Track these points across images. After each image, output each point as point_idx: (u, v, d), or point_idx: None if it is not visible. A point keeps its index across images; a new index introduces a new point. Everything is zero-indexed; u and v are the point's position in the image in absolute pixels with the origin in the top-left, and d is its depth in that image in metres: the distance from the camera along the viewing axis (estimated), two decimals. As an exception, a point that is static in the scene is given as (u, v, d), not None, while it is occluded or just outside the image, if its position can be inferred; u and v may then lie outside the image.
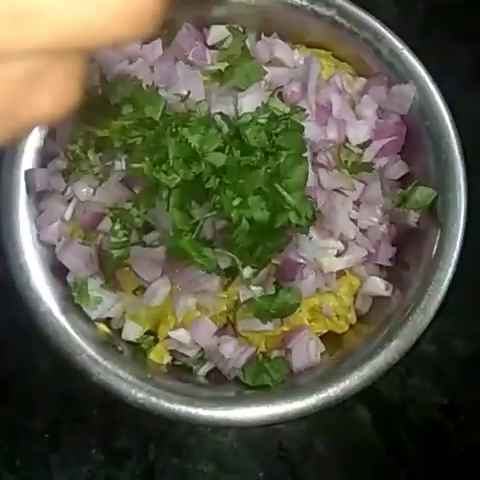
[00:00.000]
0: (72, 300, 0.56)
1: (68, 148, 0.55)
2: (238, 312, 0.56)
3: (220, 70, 0.57)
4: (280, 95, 0.58)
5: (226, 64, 0.57)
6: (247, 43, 0.60)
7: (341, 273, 0.58)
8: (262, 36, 0.62)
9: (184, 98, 0.53)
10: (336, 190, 0.57)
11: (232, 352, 0.55)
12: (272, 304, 0.52)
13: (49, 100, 0.21)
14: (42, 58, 0.20)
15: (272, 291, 0.54)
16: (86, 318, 0.57)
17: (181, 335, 0.56)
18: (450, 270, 0.55)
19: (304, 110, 0.53)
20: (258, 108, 0.50)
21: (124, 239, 0.53)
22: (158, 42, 0.60)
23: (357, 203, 0.58)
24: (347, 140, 0.58)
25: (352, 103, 0.61)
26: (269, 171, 0.46)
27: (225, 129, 0.49)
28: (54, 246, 0.57)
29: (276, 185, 0.46)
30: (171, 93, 0.55)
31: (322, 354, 0.58)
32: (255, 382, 0.55)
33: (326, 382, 0.54)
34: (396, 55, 0.60)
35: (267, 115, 0.49)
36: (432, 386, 0.68)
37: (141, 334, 0.58)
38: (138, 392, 0.53)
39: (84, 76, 0.22)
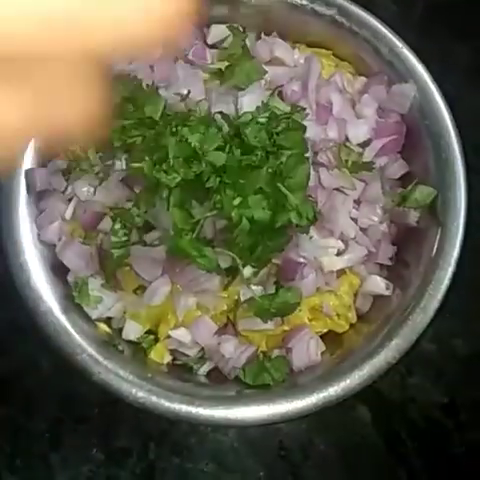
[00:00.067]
0: (72, 299, 0.56)
1: (68, 147, 0.55)
2: (238, 311, 0.56)
3: (220, 69, 0.57)
4: (280, 94, 0.58)
5: (226, 63, 0.57)
6: (247, 42, 0.59)
7: (341, 272, 0.58)
8: (262, 35, 0.62)
9: (184, 97, 0.53)
10: (336, 189, 0.57)
11: (232, 351, 0.55)
12: (272, 303, 0.52)
13: (71, 110, 0.21)
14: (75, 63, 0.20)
15: (272, 290, 0.54)
16: (86, 317, 0.57)
17: (181, 334, 0.56)
18: (450, 269, 0.56)
19: (304, 109, 0.53)
20: (258, 107, 0.50)
21: (124, 238, 0.53)
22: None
23: (357, 202, 0.58)
24: (347, 139, 0.58)
25: (352, 102, 0.61)
26: (270, 170, 0.46)
27: (225, 128, 0.49)
28: (54, 245, 0.57)
29: (278, 185, 0.46)
30: (171, 92, 0.55)
31: (322, 353, 0.58)
32: (255, 381, 0.55)
33: (326, 381, 0.54)
34: (396, 54, 0.60)
35: (267, 114, 0.49)
36: (432, 385, 0.68)
37: (141, 333, 0.58)
38: (138, 391, 0.53)
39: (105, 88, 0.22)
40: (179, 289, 0.55)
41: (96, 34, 0.19)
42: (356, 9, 0.60)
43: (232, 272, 0.53)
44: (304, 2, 0.60)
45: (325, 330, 0.59)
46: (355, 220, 0.58)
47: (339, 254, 0.57)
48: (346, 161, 0.57)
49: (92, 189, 0.56)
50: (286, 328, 0.57)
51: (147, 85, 0.53)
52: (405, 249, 0.60)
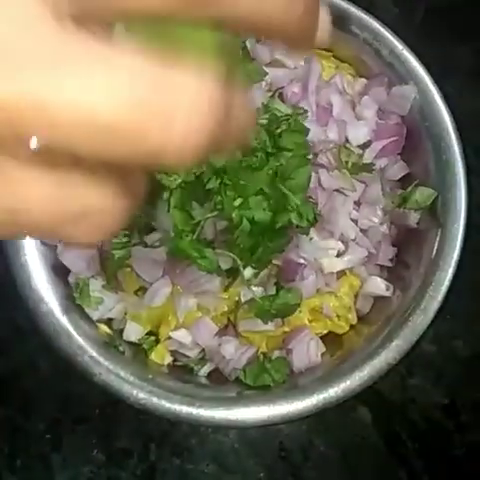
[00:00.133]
0: (73, 300, 0.56)
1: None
2: (239, 312, 0.56)
3: (221, 71, 0.57)
4: (280, 96, 0.58)
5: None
6: (247, 44, 0.60)
7: (342, 273, 0.58)
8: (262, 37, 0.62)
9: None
10: (337, 190, 0.57)
11: (233, 352, 0.55)
12: (273, 304, 0.52)
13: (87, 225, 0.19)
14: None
15: (273, 291, 0.54)
16: (87, 319, 0.57)
17: (182, 336, 0.56)
18: (450, 270, 0.56)
19: (306, 111, 0.53)
20: (259, 109, 0.50)
21: (125, 240, 0.53)
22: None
23: (357, 203, 0.58)
24: (347, 141, 0.58)
25: (352, 104, 0.61)
26: (270, 172, 0.46)
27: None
28: (56, 246, 0.57)
29: (280, 186, 0.46)
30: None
31: (323, 354, 0.58)
32: (256, 382, 0.56)
33: (327, 382, 0.54)
34: (396, 56, 0.60)
35: (268, 116, 0.49)
36: (433, 386, 0.68)
37: (142, 335, 0.58)
38: (139, 392, 0.53)
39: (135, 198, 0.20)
40: (180, 290, 0.55)
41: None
42: (357, 11, 0.61)
43: (233, 273, 0.53)
44: (305, 4, 0.60)
45: (325, 331, 0.59)
46: (355, 221, 0.58)
47: (339, 255, 0.57)
48: (346, 162, 0.57)
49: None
50: (286, 329, 0.57)
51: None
52: (405, 250, 0.60)
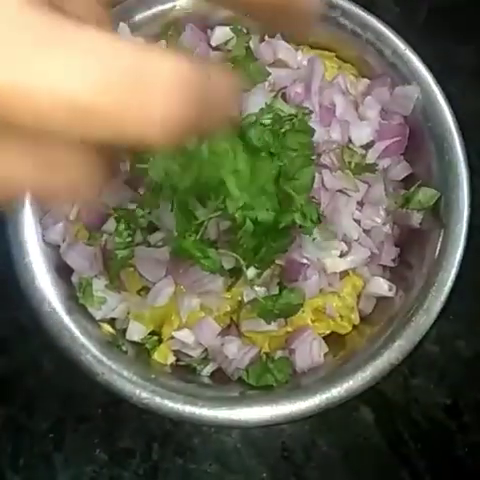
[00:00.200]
0: (77, 300, 0.56)
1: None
2: (242, 312, 0.56)
3: (224, 71, 0.57)
4: (283, 96, 0.58)
5: (230, 65, 0.57)
6: (251, 44, 0.60)
7: (344, 274, 0.58)
8: (266, 37, 0.62)
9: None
10: (339, 191, 0.57)
11: (236, 352, 0.55)
12: (276, 304, 0.52)
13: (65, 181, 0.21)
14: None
15: (276, 291, 0.54)
16: (90, 318, 0.57)
17: (185, 335, 0.56)
18: (453, 271, 0.56)
19: (311, 112, 0.53)
20: (262, 109, 0.50)
21: (128, 239, 0.53)
22: (162, 43, 0.60)
23: (360, 204, 0.58)
24: (350, 141, 0.58)
25: (355, 104, 0.61)
26: (274, 172, 0.46)
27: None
28: (59, 246, 0.58)
29: (285, 187, 0.46)
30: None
31: (325, 355, 0.58)
32: (259, 382, 0.56)
33: (329, 382, 0.54)
34: (399, 56, 0.60)
35: (271, 116, 0.49)
36: (435, 386, 0.68)
37: (145, 334, 0.58)
38: (142, 392, 0.53)
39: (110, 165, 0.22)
40: (183, 290, 0.55)
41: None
42: (359, 11, 0.61)
43: (235, 273, 0.53)
44: (308, 4, 0.60)
45: (328, 331, 0.59)
46: (358, 222, 0.58)
47: (342, 255, 0.57)
48: (349, 163, 0.57)
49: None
50: (289, 329, 0.57)
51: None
52: (408, 251, 0.60)
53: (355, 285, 0.59)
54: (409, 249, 0.60)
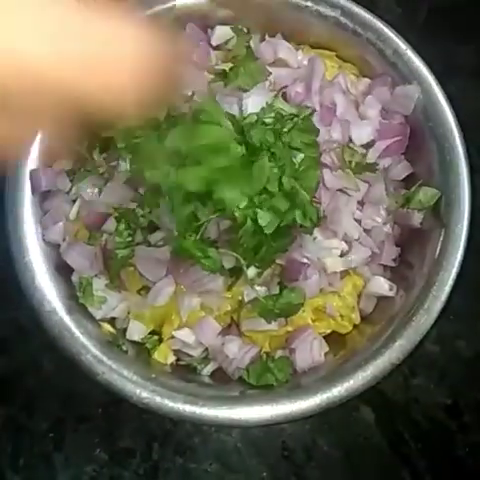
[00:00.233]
0: (77, 300, 0.56)
1: (73, 148, 0.55)
2: (242, 312, 0.56)
3: (224, 70, 0.57)
4: (284, 95, 0.58)
5: (230, 64, 0.57)
6: (251, 44, 0.60)
7: (345, 273, 0.58)
8: (266, 37, 0.62)
9: (188, 99, 0.54)
10: (340, 190, 0.57)
11: (236, 352, 0.55)
12: (276, 304, 0.52)
13: None
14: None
15: (276, 291, 0.54)
16: (91, 318, 0.57)
17: (185, 335, 0.56)
18: (454, 271, 0.56)
19: (314, 111, 0.53)
20: (263, 108, 0.50)
21: (129, 239, 0.53)
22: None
23: (361, 203, 0.58)
24: (351, 140, 0.58)
25: (356, 104, 0.61)
26: (275, 171, 0.46)
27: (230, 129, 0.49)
28: (59, 246, 0.57)
29: (291, 182, 0.46)
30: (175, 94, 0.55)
31: (326, 354, 0.58)
32: (259, 382, 0.56)
33: (330, 382, 0.54)
34: (400, 55, 0.60)
35: (272, 115, 0.49)
36: (435, 386, 0.68)
37: (145, 334, 0.58)
38: (142, 392, 0.53)
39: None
40: (183, 289, 0.55)
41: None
42: (360, 11, 0.61)
43: (236, 272, 0.53)
44: (308, 3, 0.60)
45: (328, 331, 0.59)
46: (359, 221, 0.58)
47: (343, 255, 0.57)
48: (350, 162, 0.57)
49: (97, 190, 0.56)
50: (289, 329, 0.57)
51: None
52: (409, 250, 0.60)
53: (356, 285, 0.59)
54: (410, 249, 0.60)
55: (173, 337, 0.57)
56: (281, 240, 0.50)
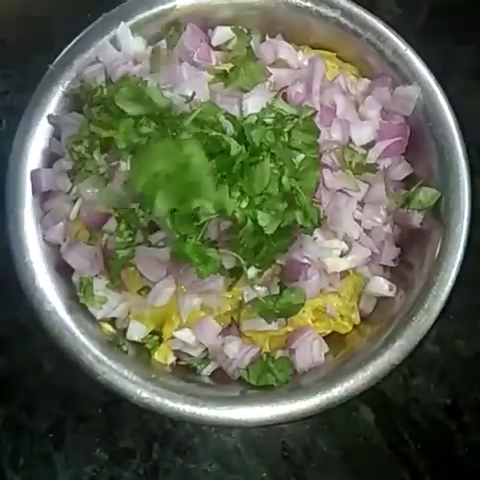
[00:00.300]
0: (77, 300, 0.56)
1: (73, 148, 0.55)
2: (242, 312, 0.56)
3: (225, 71, 0.57)
4: (284, 96, 0.58)
5: (231, 65, 0.57)
6: (252, 44, 0.60)
7: (345, 273, 0.58)
8: (267, 37, 0.62)
9: (189, 99, 0.54)
10: (340, 191, 0.57)
11: (236, 352, 0.55)
12: (276, 304, 0.52)
13: None
14: None
15: (276, 291, 0.54)
16: (91, 318, 0.57)
17: (185, 335, 0.56)
18: (454, 271, 0.56)
19: (316, 112, 0.53)
20: (263, 109, 0.50)
21: (129, 239, 0.53)
22: (163, 43, 0.60)
23: (361, 204, 0.58)
24: (351, 141, 0.58)
25: (356, 104, 0.61)
26: (275, 172, 0.46)
27: (230, 130, 0.49)
28: (59, 246, 0.58)
29: (291, 182, 0.46)
30: (176, 94, 0.55)
31: (326, 354, 0.58)
32: (259, 382, 0.56)
33: (330, 382, 0.54)
34: (400, 56, 0.60)
35: (273, 115, 0.49)
36: (435, 386, 0.68)
37: (146, 334, 0.58)
38: (143, 392, 0.53)
39: None
40: (183, 290, 0.55)
41: None
42: (360, 11, 0.61)
43: (236, 273, 0.53)
44: (308, 4, 0.60)
45: (328, 331, 0.59)
46: (359, 221, 0.58)
47: (343, 255, 0.57)
48: (350, 163, 0.57)
49: (97, 190, 0.56)
50: (289, 329, 0.57)
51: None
52: (409, 251, 0.60)
53: (356, 285, 0.59)
54: (410, 249, 0.60)
55: (173, 337, 0.57)
56: (281, 240, 0.50)
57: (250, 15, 0.62)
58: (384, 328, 0.57)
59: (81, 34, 0.60)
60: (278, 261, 0.54)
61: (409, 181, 0.60)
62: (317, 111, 0.55)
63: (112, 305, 0.57)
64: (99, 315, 0.57)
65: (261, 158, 0.46)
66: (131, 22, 0.60)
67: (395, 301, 0.58)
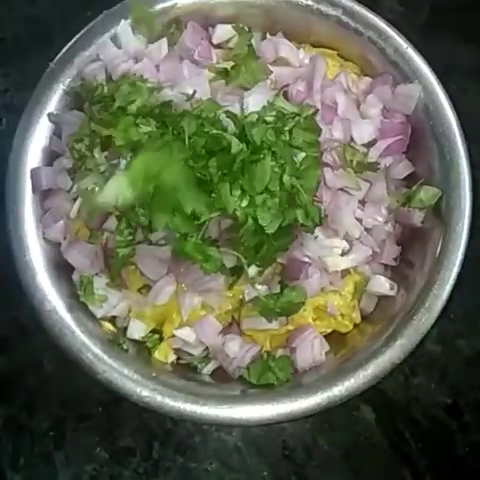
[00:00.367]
0: (77, 298, 0.56)
1: (74, 147, 0.55)
2: (243, 311, 0.56)
3: (226, 69, 0.57)
4: (285, 94, 0.58)
5: (232, 63, 0.57)
6: (253, 42, 0.60)
7: (346, 272, 0.58)
8: (267, 35, 0.62)
9: (190, 97, 0.54)
10: (341, 189, 0.57)
11: (237, 351, 0.55)
12: (277, 303, 0.52)
13: None
14: None
15: (277, 290, 0.54)
16: (91, 316, 0.57)
17: (186, 334, 0.56)
18: (455, 270, 0.56)
19: (317, 111, 0.53)
20: (264, 107, 0.50)
21: (130, 237, 0.53)
22: (164, 41, 0.60)
23: (362, 202, 0.58)
24: (352, 139, 0.58)
25: (357, 102, 0.61)
26: (276, 170, 0.46)
27: (231, 128, 0.49)
28: (59, 244, 0.57)
29: (291, 180, 0.46)
30: (177, 92, 0.55)
31: (327, 353, 0.58)
32: (260, 381, 0.56)
33: (331, 381, 0.54)
34: (401, 54, 0.60)
35: (274, 113, 0.49)
36: (436, 386, 0.68)
37: (146, 332, 0.58)
38: (143, 390, 0.53)
39: None
40: (184, 288, 0.55)
41: None
42: (361, 9, 0.61)
43: (237, 271, 0.53)
44: (310, 2, 0.60)
45: (329, 330, 0.59)
46: (360, 220, 0.58)
47: (344, 254, 0.57)
48: (351, 161, 0.57)
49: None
50: (290, 328, 0.57)
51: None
52: (410, 249, 0.60)
53: (357, 284, 0.59)
54: (410, 248, 0.60)
55: (174, 336, 0.57)
56: (282, 239, 0.50)
57: (251, 13, 0.61)
58: (385, 327, 0.57)
59: (81, 32, 0.60)
60: (279, 260, 0.54)
61: (410, 180, 0.60)
62: (318, 109, 0.54)
63: (112, 303, 0.57)
64: (99, 314, 0.57)
65: (262, 156, 0.46)
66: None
67: (396, 300, 0.58)
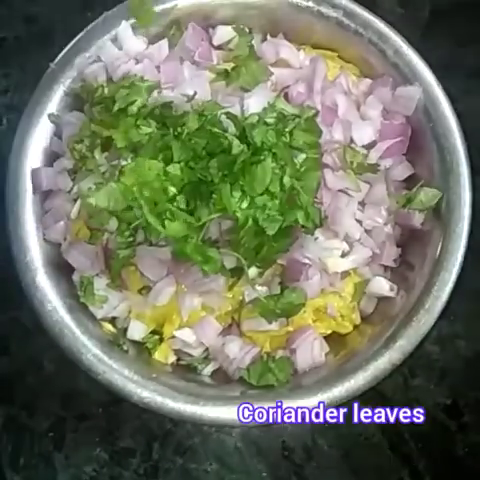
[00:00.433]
0: (77, 299, 0.56)
1: (74, 147, 0.55)
2: (243, 312, 0.56)
3: (226, 70, 0.57)
4: (286, 96, 0.58)
5: (232, 64, 0.57)
6: (253, 44, 0.60)
7: (346, 274, 0.58)
8: (268, 37, 0.62)
9: (190, 98, 0.54)
10: (341, 191, 0.57)
11: (237, 352, 0.55)
12: (277, 304, 0.52)
13: None
14: None
15: (277, 291, 0.54)
16: (91, 317, 0.57)
17: (186, 335, 0.56)
18: (454, 271, 0.56)
19: (318, 113, 0.53)
20: (265, 108, 0.50)
21: (130, 239, 0.53)
22: (164, 42, 0.60)
23: (362, 204, 0.58)
24: (352, 141, 0.58)
25: (357, 104, 0.61)
26: (276, 171, 0.46)
27: (232, 129, 0.49)
28: (60, 245, 0.57)
29: (294, 183, 0.46)
30: (177, 93, 0.55)
31: (326, 354, 0.58)
32: (260, 382, 0.56)
33: (330, 382, 0.54)
34: (401, 56, 0.60)
35: (274, 115, 0.49)
36: (435, 387, 0.68)
37: (146, 333, 0.58)
38: (143, 391, 0.53)
39: None
40: (184, 289, 0.55)
41: None
42: (361, 11, 0.61)
43: (237, 272, 0.53)
44: (310, 4, 0.60)
45: (329, 331, 0.59)
46: (360, 222, 0.58)
47: (344, 255, 0.57)
48: (351, 163, 0.57)
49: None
50: (290, 329, 0.57)
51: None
52: (409, 251, 0.60)
53: (356, 285, 0.59)
54: (410, 249, 0.60)
55: (174, 337, 0.57)
56: (282, 240, 0.50)
57: (251, 14, 0.61)
58: (385, 328, 0.57)
59: (82, 33, 0.60)
60: (279, 261, 0.54)
61: (410, 181, 0.60)
62: (318, 111, 0.54)
63: (113, 304, 0.57)
64: (99, 314, 0.57)
65: (262, 158, 0.47)
66: (132, 21, 0.60)
67: (396, 301, 0.58)
